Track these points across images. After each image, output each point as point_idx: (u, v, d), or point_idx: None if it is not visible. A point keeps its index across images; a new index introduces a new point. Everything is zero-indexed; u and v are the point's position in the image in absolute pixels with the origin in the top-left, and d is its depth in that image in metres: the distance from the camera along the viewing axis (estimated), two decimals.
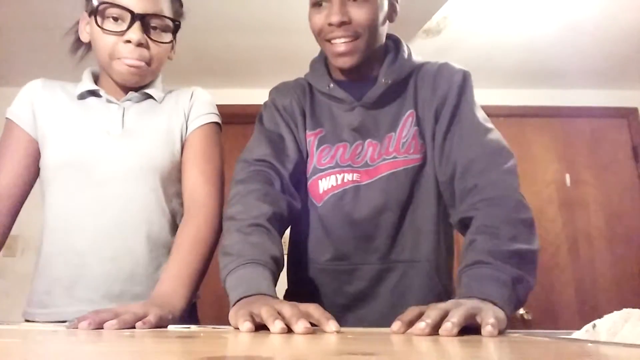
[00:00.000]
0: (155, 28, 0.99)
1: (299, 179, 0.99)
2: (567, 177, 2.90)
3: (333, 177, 0.96)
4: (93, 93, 1.03)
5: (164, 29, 1.00)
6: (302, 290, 0.99)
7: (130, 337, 0.51)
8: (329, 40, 0.92)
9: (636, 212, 2.84)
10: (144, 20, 0.96)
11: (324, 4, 0.91)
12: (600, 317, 0.52)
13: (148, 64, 0.99)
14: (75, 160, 0.97)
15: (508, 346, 0.49)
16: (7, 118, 1.03)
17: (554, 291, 2.71)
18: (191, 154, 1.02)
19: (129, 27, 0.95)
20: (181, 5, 1.08)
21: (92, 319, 0.67)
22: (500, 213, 0.78)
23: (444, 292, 0.93)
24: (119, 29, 0.95)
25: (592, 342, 0.49)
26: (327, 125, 0.99)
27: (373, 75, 0.98)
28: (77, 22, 1.06)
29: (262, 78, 2.66)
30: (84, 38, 1.03)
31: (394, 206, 0.94)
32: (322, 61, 1.04)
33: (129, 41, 0.95)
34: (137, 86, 1.03)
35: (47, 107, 1.02)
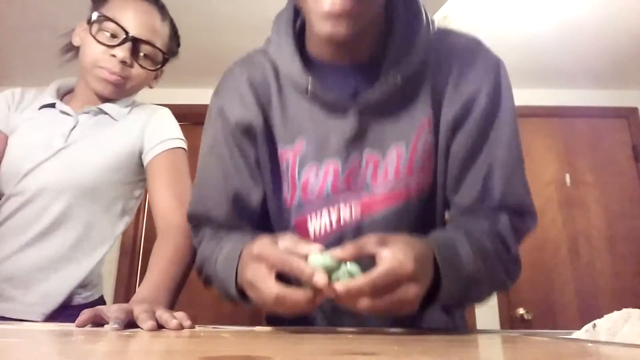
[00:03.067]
0: (144, 54, 1.03)
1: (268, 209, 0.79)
2: (567, 177, 2.90)
3: (326, 215, 0.73)
4: (51, 105, 1.06)
5: (152, 58, 1.04)
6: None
7: (130, 337, 0.51)
8: None
9: (636, 212, 2.84)
10: (135, 42, 1.00)
11: None
12: (600, 317, 0.52)
13: (125, 80, 1.02)
14: (15, 170, 1.00)
15: (508, 346, 0.49)
16: None
17: (554, 291, 2.71)
18: (160, 178, 1.01)
19: (120, 44, 0.99)
20: (178, 45, 1.12)
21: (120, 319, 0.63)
22: (493, 242, 0.67)
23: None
24: (110, 43, 1.00)
25: (592, 342, 0.49)
26: (309, 133, 0.73)
27: (369, 50, 0.71)
28: (75, 27, 1.09)
29: None
30: (75, 42, 1.07)
31: None
32: (290, 28, 0.74)
33: (114, 56, 0.99)
34: (109, 97, 1.05)
35: (17, 111, 1.06)
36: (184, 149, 1.06)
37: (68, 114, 1.04)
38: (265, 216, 0.79)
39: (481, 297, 0.68)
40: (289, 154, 0.75)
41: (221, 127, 0.78)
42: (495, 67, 0.74)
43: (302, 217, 0.75)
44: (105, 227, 1.04)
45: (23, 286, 0.97)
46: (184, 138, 1.08)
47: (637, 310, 0.50)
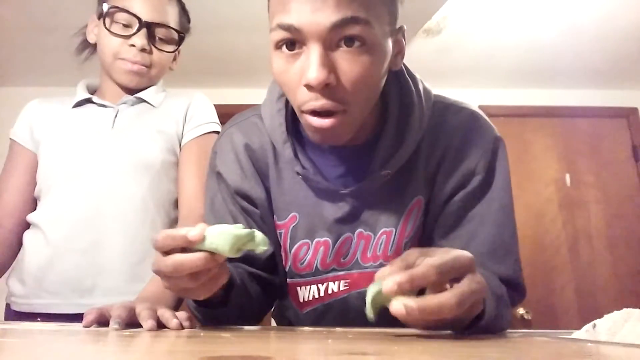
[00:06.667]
0: (160, 37, 1.03)
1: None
2: (567, 177, 2.90)
3: (314, 287, 0.77)
4: (87, 101, 1.06)
5: (168, 40, 1.04)
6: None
7: (131, 337, 0.51)
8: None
9: (636, 212, 2.84)
10: (150, 28, 1.00)
11: (295, 48, 0.59)
12: (600, 317, 0.52)
13: (148, 68, 1.02)
14: (64, 159, 0.99)
15: (508, 346, 0.49)
16: (10, 139, 1.08)
17: (554, 291, 2.71)
18: (189, 164, 1.02)
19: (135, 32, 0.99)
20: (188, 20, 1.12)
21: (120, 317, 0.62)
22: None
23: None
24: (125, 33, 0.99)
25: (592, 342, 0.49)
26: (301, 210, 0.75)
27: (364, 133, 0.71)
28: (87, 24, 1.08)
29: (260, 78, 2.66)
30: (91, 39, 1.06)
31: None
32: (282, 105, 0.73)
33: (133, 45, 0.99)
34: (136, 88, 1.05)
35: (43, 120, 1.06)
36: (218, 132, 1.05)
37: (106, 106, 1.04)
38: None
39: (507, 323, 0.64)
40: (281, 226, 0.77)
41: (221, 189, 0.79)
42: (492, 146, 0.73)
43: (293, 284, 0.78)
44: (169, 212, 1.02)
45: (126, 277, 0.94)
46: (217, 121, 1.08)
47: (637, 310, 0.50)
